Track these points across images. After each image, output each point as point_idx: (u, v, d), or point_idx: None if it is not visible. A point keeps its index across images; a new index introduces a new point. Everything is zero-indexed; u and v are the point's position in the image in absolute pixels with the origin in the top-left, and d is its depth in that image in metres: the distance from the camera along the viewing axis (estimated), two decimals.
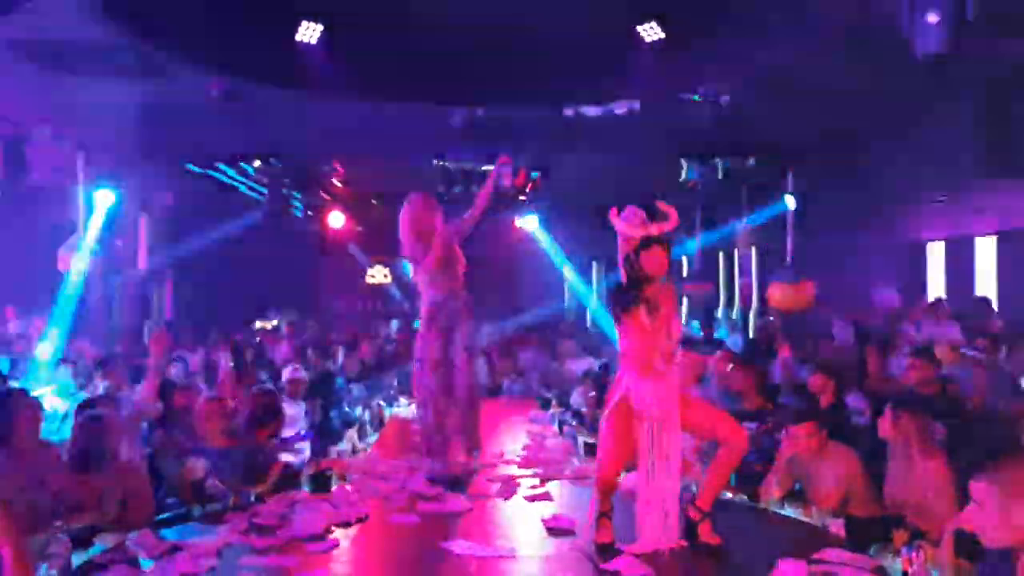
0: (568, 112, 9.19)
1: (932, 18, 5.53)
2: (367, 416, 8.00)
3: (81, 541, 4.28)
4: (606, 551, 4.23)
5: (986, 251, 12.61)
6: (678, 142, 9.28)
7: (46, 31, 7.56)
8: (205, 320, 13.48)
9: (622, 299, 4.34)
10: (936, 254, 13.66)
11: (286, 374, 7.41)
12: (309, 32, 8.12)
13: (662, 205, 4.36)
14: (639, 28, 7.70)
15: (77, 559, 4.10)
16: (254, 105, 8.66)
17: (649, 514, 4.24)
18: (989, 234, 12.48)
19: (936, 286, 13.06)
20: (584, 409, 8.27)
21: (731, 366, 6.39)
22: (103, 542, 4.39)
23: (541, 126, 9.57)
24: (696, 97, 8.56)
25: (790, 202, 11.04)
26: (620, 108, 8.93)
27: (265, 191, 12.66)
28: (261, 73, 8.14)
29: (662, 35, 7.62)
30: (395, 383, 10.01)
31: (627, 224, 4.34)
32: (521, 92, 8.42)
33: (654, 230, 4.31)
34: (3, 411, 4.31)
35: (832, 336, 9.46)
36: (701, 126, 9.00)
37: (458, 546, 4.37)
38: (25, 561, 2.47)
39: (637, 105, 8.90)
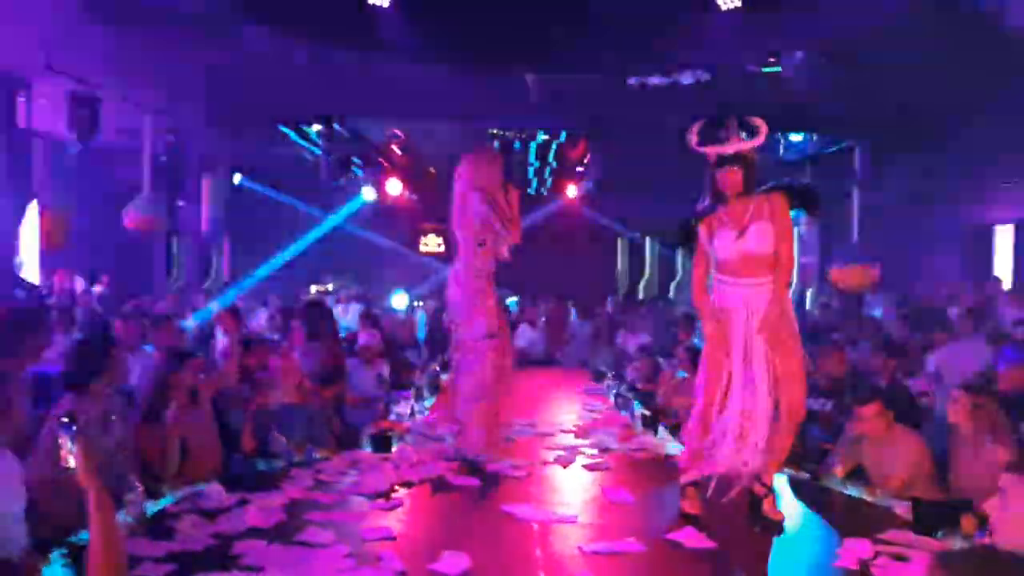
0: (632, 81, 9.05)
1: None
2: (424, 380, 8.06)
3: (150, 491, 4.41)
4: (686, 520, 4.22)
5: None
6: (745, 114, 9.10)
7: None
8: (263, 282, 13.74)
9: (686, 224, 4.35)
10: (1004, 237, 13.26)
11: (361, 338, 7.51)
12: None
13: (753, 121, 4.24)
14: None
15: (150, 509, 4.22)
16: (321, 67, 8.68)
17: (725, 435, 4.21)
18: None
19: (1004, 270, 12.68)
20: (639, 384, 8.26)
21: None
22: (172, 494, 4.53)
23: (604, 95, 9.46)
24: (768, 69, 8.39)
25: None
26: (687, 78, 8.79)
27: (325, 156, 12.73)
28: (332, 35, 8.15)
29: (739, 3, 7.42)
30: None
31: (703, 146, 4.23)
32: (590, 59, 8.31)
33: (729, 149, 4.19)
34: (98, 356, 4.39)
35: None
36: (768, 100, 8.81)
37: (519, 510, 4.40)
38: (108, 504, 2.53)
39: (704, 75, 8.74)
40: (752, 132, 4.25)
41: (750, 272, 4.24)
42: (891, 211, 11.26)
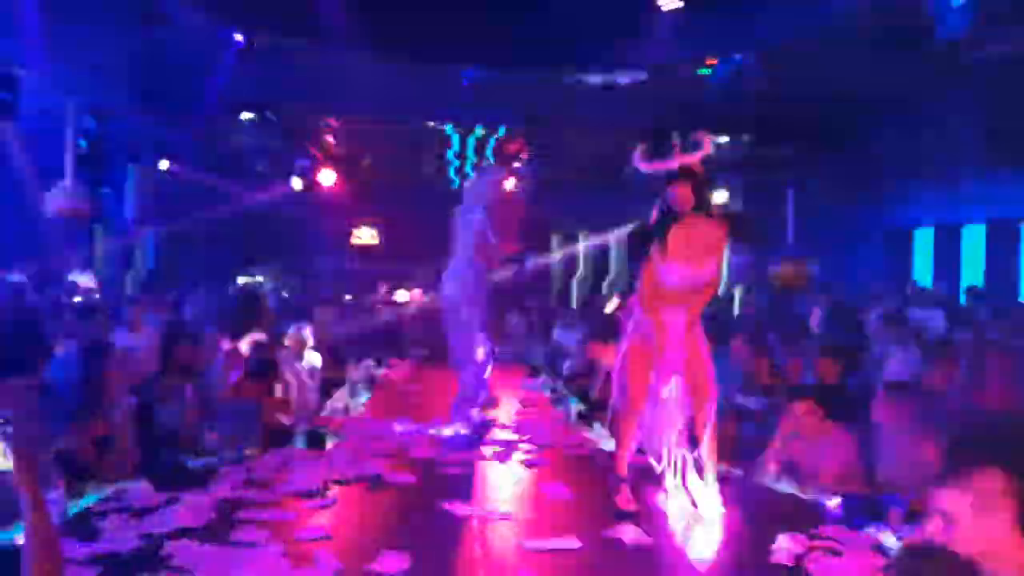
0: (569, 79, 9.07)
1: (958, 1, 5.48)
2: (359, 376, 7.96)
3: (72, 490, 4.24)
4: (621, 517, 4.25)
5: (974, 239, 12.65)
6: (679, 115, 9.21)
7: None
8: (187, 273, 13.36)
9: (640, 237, 4.38)
10: (924, 240, 13.71)
11: (292, 330, 7.33)
12: None
13: (698, 136, 4.30)
14: None
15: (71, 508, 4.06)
16: (256, 54, 8.48)
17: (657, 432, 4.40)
18: (978, 222, 12.53)
19: (923, 272, 13.12)
20: (575, 379, 8.29)
21: (739, 342, 6.38)
22: (95, 492, 4.36)
23: (541, 92, 9.47)
24: (703, 71, 8.49)
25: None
26: (623, 78, 8.84)
27: (257, 144, 12.47)
28: (268, 22, 7.97)
29: (680, 3, 7.48)
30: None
31: (647, 164, 4.28)
32: (528, 55, 8.28)
33: (674, 164, 4.24)
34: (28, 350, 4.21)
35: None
36: (703, 100, 8.92)
37: (458, 507, 4.37)
38: (43, 503, 2.42)
39: (641, 75, 8.80)
40: (695, 146, 4.31)
41: (690, 300, 4.36)
42: (821, 212, 11.54)
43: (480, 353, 6.50)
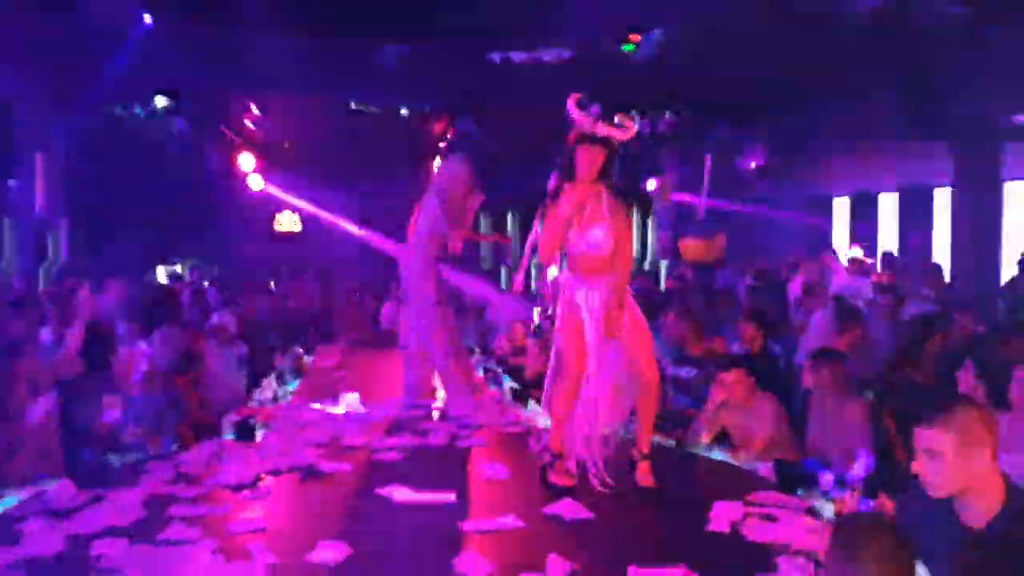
0: (494, 57, 9.00)
1: None
2: (287, 363, 7.81)
3: None
4: (557, 493, 4.25)
5: (888, 206, 13.07)
6: (603, 93, 9.20)
7: None
8: (103, 265, 12.89)
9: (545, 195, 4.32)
10: (842, 209, 14.10)
11: (214, 319, 7.15)
12: None
13: (625, 118, 4.27)
14: None
15: None
16: (169, 37, 8.17)
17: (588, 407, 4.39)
18: (891, 190, 12.94)
19: (841, 240, 13.49)
20: (508, 357, 8.28)
21: (671, 316, 6.45)
22: (13, 494, 4.19)
23: (466, 70, 9.38)
24: (626, 47, 8.50)
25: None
26: (548, 55, 8.81)
27: (172, 130, 12.07)
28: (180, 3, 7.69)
29: None
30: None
31: (580, 114, 4.17)
32: (450, 31, 8.17)
33: (600, 131, 4.17)
34: None
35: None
36: (627, 77, 8.94)
37: (396, 493, 4.31)
38: None
39: (566, 53, 8.78)
40: (621, 126, 4.27)
41: (594, 272, 4.33)
42: (741, 184, 11.73)
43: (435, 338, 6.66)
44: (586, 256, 4.32)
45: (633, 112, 4.34)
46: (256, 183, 14.01)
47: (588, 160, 4.21)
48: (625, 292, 4.38)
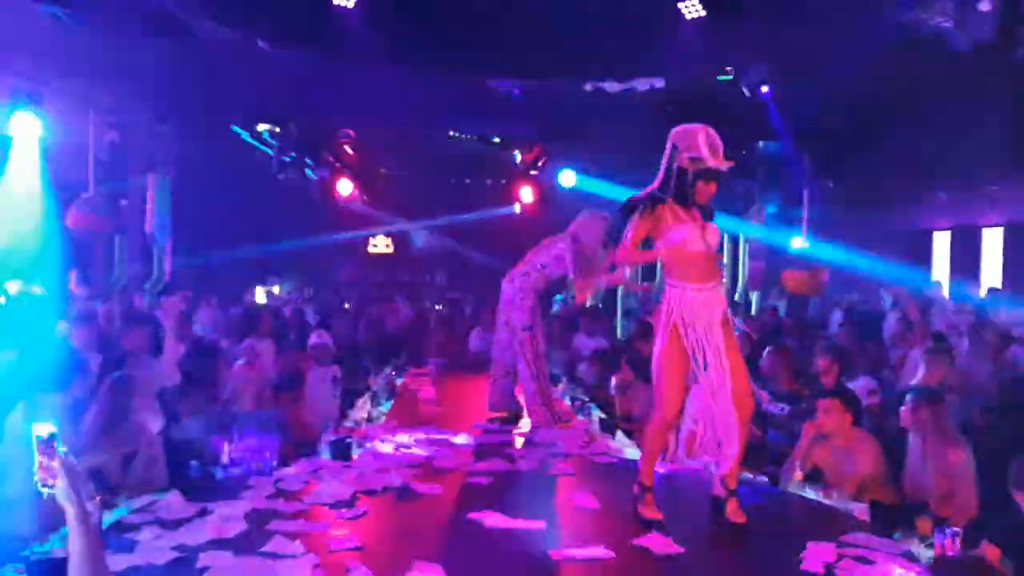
0: (588, 87, 9.08)
1: (984, 7, 5.48)
2: (380, 384, 7.99)
3: (105, 502, 4.28)
4: (646, 526, 4.26)
5: (993, 242, 12.61)
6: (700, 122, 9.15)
7: None
8: (205, 284, 13.41)
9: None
10: (941, 243, 13.67)
11: (313, 339, 7.38)
12: None
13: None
14: (680, 4, 7.56)
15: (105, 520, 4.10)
16: (279, 67, 8.52)
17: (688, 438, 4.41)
18: (997, 225, 12.49)
19: (942, 274, 13.08)
20: (594, 385, 8.29)
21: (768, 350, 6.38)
22: (127, 504, 4.41)
23: (560, 100, 9.50)
24: (722, 78, 8.48)
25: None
26: (642, 85, 8.86)
27: (275, 155, 12.53)
28: (291, 34, 8.02)
29: (703, 13, 7.48)
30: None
31: (708, 148, 4.26)
32: (552, 64, 8.32)
33: (723, 165, 4.32)
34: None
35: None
36: (725, 109, 8.90)
37: (486, 517, 4.39)
38: (89, 518, 2.45)
39: (659, 83, 8.82)
40: (730, 159, 4.38)
41: (711, 275, 4.37)
42: (837, 216, 11.50)
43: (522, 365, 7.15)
44: (700, 255, 4.34)
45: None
46: (345, 189, 14.31)
47: (706, 192, 4.36)
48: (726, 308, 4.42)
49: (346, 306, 13.65)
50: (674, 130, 4.39)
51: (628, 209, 4.49)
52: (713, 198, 4.44)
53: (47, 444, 2.33)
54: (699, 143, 4.27)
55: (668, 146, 4.38)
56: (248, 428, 5.42)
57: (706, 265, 4.38)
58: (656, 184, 4.42)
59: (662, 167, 4.40)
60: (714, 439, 4.42)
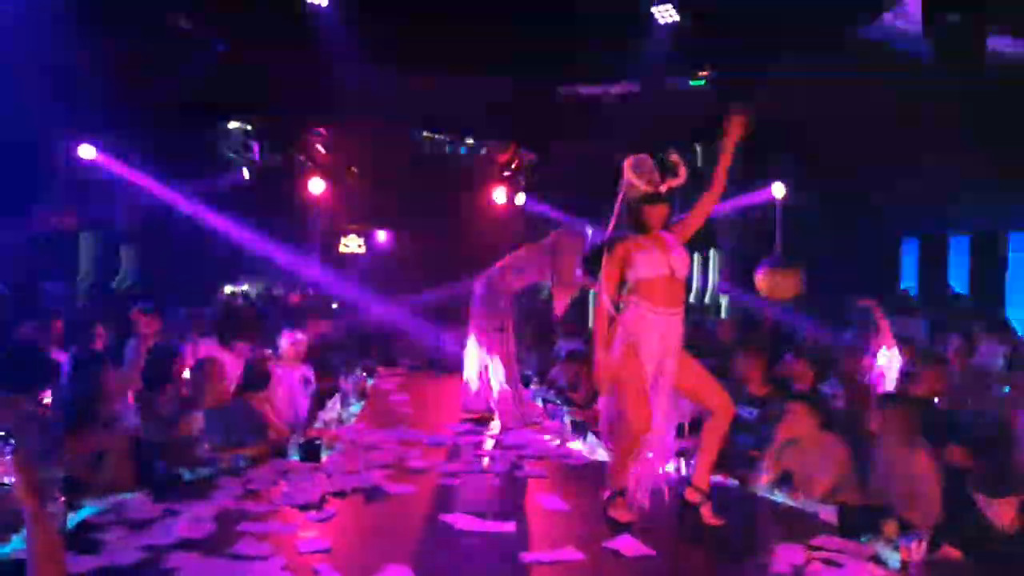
0: (563, 90, 9.11)
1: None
2: (350, 386, 7.93)
3: (70, 502, 4.22)
4: (617, 528, 4.26)
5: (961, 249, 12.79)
6: (671, 127, 9.22)
7: None
8: (171, 283, 13.25)
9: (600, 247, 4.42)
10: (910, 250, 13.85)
11: (285, 338, 7.32)
12: None
13: (674, 157, 4.36)
14: (654, 9, 7.59)
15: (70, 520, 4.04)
16: (251, 64, 8.45)
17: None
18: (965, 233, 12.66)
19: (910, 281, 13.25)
20: (566, 388, 8.30)
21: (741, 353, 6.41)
22: (94, 504, 4.34)
23: (533, 103, 9.51)
24: (694, 83, 8.53)
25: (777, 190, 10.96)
26: (616, 89, 8.89)
27: (244, 153, 12.44)
28: (266, 32, 7.97)
29: (676, 18, 7.52)
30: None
31: (637, 176, 4.29)
32: (526, 67, 8.33)
33: (663, 188, 4.31)
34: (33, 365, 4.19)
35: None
36: (692, 112, 8.95)
37: (457, 519, 4.38)
38: (46, 517, 2.43)
39: (633, 87, 8.85)
40: (674, 171, 4.37)
41: (674, 301, 4.34)
42: (811, 220, 11.59)
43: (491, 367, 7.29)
44: (663, 279, 4.31)
45: (675, 154, 4.33)
46: (316, 187, 14.16)
47: (657, 216, 4.35)
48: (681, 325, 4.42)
49: (334, 306, 13.56)
50: (626, 161, 4.38)
51: (595, 258, 4.49)
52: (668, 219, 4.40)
53: (1, 441, 2.32)
54: (627, 174, 4.31)
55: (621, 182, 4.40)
56: (217, 427, 5.37)
57: (670, 290, 4.34)
58: (612, 223, 4.43)
59: (616, 205, 4.41)
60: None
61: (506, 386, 7.12)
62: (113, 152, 12.03)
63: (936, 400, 5.99)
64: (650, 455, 4.43)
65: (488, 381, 7.33)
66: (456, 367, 8.33)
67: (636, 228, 4.38)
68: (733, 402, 4.57)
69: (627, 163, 4.34)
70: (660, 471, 4.46)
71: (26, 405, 4.12)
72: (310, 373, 7.32)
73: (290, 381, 6.90)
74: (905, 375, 6.35)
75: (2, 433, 2.40)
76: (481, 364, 7.35)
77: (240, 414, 5.71)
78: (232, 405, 5.75)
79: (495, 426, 7.07)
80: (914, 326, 8.97)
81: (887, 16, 6.35)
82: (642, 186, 4.29)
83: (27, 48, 8.10)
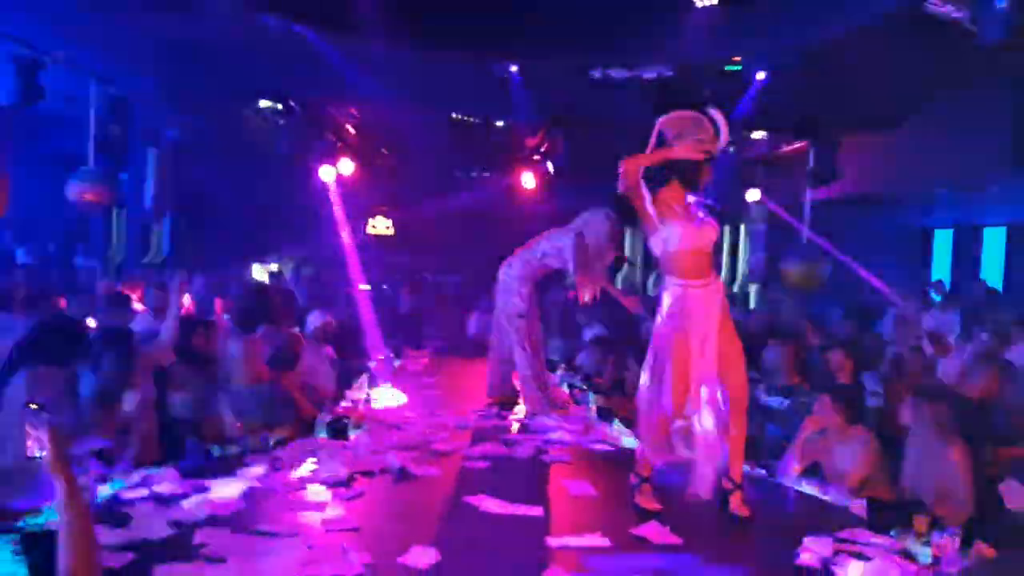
0: (594, 72, 9.02)
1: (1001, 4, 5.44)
2: (377, 366, 7.97)
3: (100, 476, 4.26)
4: (644, 516, 4.24)
5: (995, 241, 12.59)
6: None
7: None
8: (202, 259, 13.37)
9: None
10: (943, 241, 13.66)
11: (313, 318, 7.36)
12: None
13: (717, 114, 4.27)
14: None
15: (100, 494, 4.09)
16: (284, 43, 8.43)
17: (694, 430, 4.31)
18: (999, 224, 12.47)
19: (942, 274, 13.06)
20: (592, 374, 8.28)
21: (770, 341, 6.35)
22: (123, 479, 4.39)
23: (565, 84, 9.44)
24: (730, 67, 8.41)
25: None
26: (649, 73, 8.79)
27: (276, 132, 12.45)
28: (297, 8, 7.95)
29: (714, 1, 7.39)
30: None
31: (701, 134, 4.19)
32: (558, 49, 8.25)
33: (715, 149, 4.27)
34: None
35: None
36: (727, 97, 8.84)
37: (482, 502, 4.38)
38: (79, 491, 2.45)
39: (666, 71, 8.75)
40: (718, 131, 4.30)
41: (701, 272, 4.29)
42: (839, 211, 11.45)
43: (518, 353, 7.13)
44: (694, 252, 4.28)
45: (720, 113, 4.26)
46: (346, 168, 14.15)
47: (707, 176, 4.33)
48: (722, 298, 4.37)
49: (361, 287, 13.56)
50: (662, 119, 4.30)
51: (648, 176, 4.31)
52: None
53: (35, 415, 2.34)
54: (692, 131, 4.21)
55: (654, 137, 4.30)
56: (246, 405, 5.41)
57: (699, 261, 4.30)
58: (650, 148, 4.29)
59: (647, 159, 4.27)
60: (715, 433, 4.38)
61: (530, 372, 7.06)
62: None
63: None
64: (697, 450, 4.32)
65: (513, 366, 7.29)
66: (482, 351, 8.33)
67: (684, 185, 4.30)
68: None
69: (687, 119, 4.25)
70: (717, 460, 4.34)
71: (61, 378, 4.15)
72: (332, 352, 7.35)
73: (316, 360, 6.92)
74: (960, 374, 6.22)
75: (36, 406, 2.42)
76: (507, 350, 7.29)
77: (273, 394, 5.76)
78: (265, 385, 5.79)
79: (520, 411, 7.06)
80: (947, 321, 8.83)
81: None
82: (705, 143, 4.23)
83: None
